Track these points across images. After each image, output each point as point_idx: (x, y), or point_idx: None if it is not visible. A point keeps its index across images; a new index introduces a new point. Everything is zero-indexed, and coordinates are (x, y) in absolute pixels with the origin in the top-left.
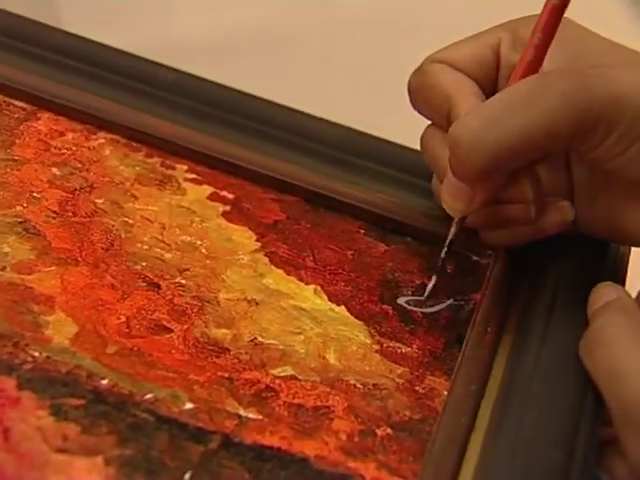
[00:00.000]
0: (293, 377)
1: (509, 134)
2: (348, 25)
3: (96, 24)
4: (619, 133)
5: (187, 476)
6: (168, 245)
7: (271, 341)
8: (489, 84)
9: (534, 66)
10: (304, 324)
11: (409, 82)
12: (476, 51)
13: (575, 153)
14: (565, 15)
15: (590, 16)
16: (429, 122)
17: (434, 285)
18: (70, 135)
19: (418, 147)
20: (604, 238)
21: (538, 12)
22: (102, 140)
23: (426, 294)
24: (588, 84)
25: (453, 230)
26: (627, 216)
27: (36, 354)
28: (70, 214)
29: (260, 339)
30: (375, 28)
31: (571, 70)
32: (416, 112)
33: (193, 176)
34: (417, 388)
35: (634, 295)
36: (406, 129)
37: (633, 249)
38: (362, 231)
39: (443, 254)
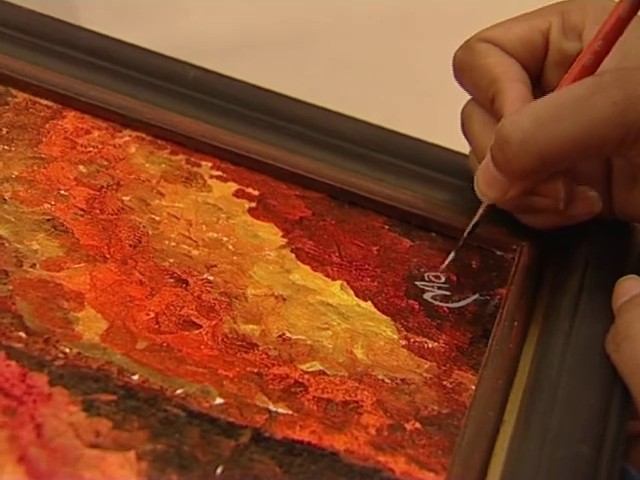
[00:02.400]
0: (322, 372)
1: (559, 138)
2: (364, 22)
3: (112, 23)
4: None
5: (219, 470)
6: (195, 242)
7: (299, 336)
8: (536, 68)
9: (590, 71)
10: (331, 319)
11: (455, 57)
12: (525, 34)
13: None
14: None
15: None
16: (451, 116)
17: (452, 260)
18: (96, 133)
19: (436, 141)
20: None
21: None
22: (127, 138)
23: (443, 267)
24: (639, 93)
25: (480, 212)
26: None
27: (67, 350)
28: (97, 211)
29: (288, 334)
30: (391, 24)
31: (624, 75)
32: (437, 108)
33: (218, 173)
34: (445, 383)
35: None
36: (422, 124)
37: None
38: (387, 227)
39: (466, 234)
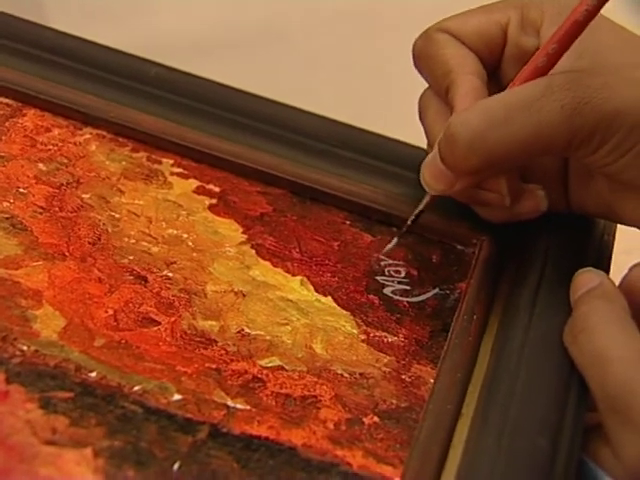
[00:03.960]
0: (280, 367)
1: (507, 140)
2: (333, 19)
3: (82, 21)
4: (612, 145)
5: (176, 466)
6: (155, 239)
7: (258, 332)
8: (493, 60)
9: (543, 71)
10: (291, 315)
11: (414, 45)
12: (484, 27)
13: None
14: None
15: None
16: (416, 113)
17: (395, 245)
18: (56, 131)
19: (404, 139)
20: (595, 216)
21: None
22: (88, 135)
23: (385, 250)
24: (588, 98)
25: (425, 202)
26: (619, 201)
27: (24, 348)
28: (57, 209)
29: (247, 330)
30: (360, 21)
31: (575, 79)
32: (402, 105)
33: (179, 170)
34: (403, 377)
35: (618, 280)
36: (392, 121)
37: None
38: (348, 222)
39: (410, 221)
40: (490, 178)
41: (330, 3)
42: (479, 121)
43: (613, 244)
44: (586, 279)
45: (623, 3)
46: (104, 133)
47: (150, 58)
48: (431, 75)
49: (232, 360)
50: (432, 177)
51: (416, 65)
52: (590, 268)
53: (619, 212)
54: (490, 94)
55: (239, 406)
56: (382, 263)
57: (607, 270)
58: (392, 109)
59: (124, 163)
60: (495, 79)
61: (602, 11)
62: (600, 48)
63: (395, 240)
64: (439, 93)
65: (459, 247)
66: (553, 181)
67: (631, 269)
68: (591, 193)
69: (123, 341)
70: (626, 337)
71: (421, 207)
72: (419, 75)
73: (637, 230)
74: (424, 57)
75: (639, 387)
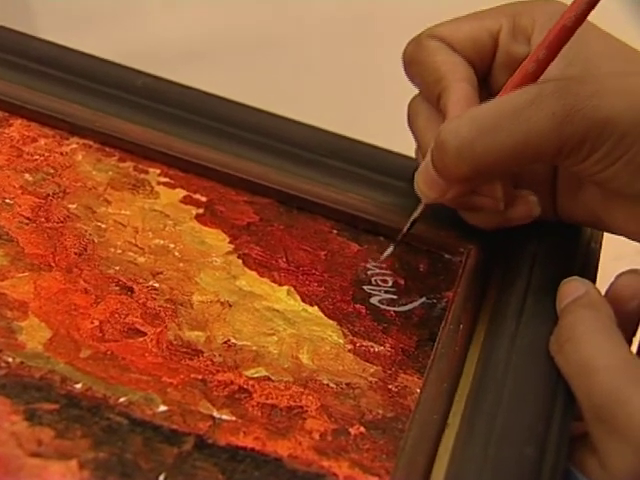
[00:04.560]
0: (266, 378)
1: (496, 148)
2: (323, 28)
3: (71, 29)
4: (601, 154)
5: (161, 478)
6: (141, 249)
7: (244, 342)
8: (484, 67)
9: (533, 78)
10: (277, 325)
11: (405, 51)
12: (475, 33)
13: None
14: None
15: (590, 16)
16: (406, 123)
17: (391, 253)
18: (42, 141)
19: (393, 148)
20: (583, 225)
21: None
22: (74, 145)
23: (382, 258)
24: (579, 106)
25: (419, 210)
26: (608, 210)
27: (10, 360)
28: (43, 220)
29: (233, 341)
30: (351, 30)
31: (565, 87)
32: (392, 114)
33: (166, 180)
34: (390, 386)
35: (604, 289)
36: (382, 130)
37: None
38: (335, 231)
39: (405, 230)
40: (484, 184)
41: (320, 11)
42: (469, 129)
43: (600, 252)
44: (572, 288)
45: (623, 4)
46: (90, 143)
47: (138, 67)
48: (422, 82)
49: (218, 371)
50: (425, 185)
51: (407, 71)
52: (576, 277)
53: (608, 221)
54: (481, 101)
55: (225, 417)
56: (369, 272)
57: (594, 278)
58: (381, 118)
59: (111, 173)
60: (485, 86)
61: (602, 14)
62: (590, 56)
63: (391, 248)
64: (430, 100)
65: (446, 256)
66: (542, 189)
67: (617, 277)
68: (580, 202)
69: (109, 352)
70: (612, 346)
71: (416, 215)
72: (410, 84)
73: None
74: (415, 63)
75: (625, 396)
